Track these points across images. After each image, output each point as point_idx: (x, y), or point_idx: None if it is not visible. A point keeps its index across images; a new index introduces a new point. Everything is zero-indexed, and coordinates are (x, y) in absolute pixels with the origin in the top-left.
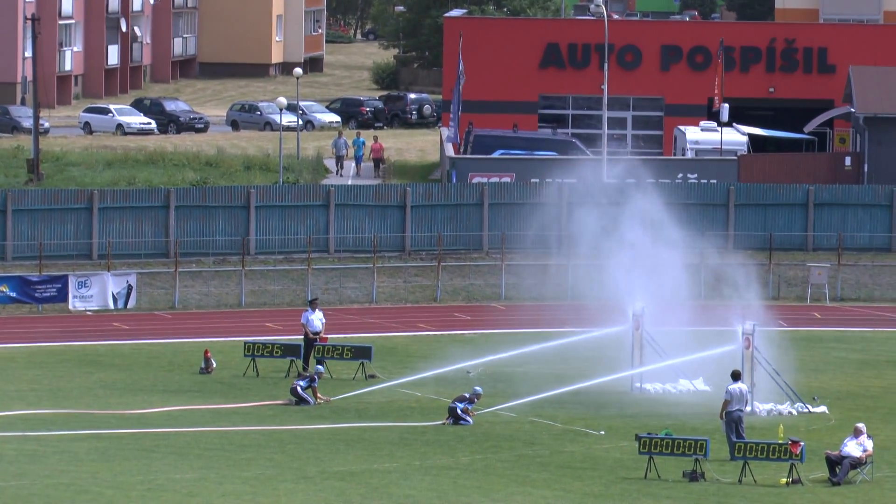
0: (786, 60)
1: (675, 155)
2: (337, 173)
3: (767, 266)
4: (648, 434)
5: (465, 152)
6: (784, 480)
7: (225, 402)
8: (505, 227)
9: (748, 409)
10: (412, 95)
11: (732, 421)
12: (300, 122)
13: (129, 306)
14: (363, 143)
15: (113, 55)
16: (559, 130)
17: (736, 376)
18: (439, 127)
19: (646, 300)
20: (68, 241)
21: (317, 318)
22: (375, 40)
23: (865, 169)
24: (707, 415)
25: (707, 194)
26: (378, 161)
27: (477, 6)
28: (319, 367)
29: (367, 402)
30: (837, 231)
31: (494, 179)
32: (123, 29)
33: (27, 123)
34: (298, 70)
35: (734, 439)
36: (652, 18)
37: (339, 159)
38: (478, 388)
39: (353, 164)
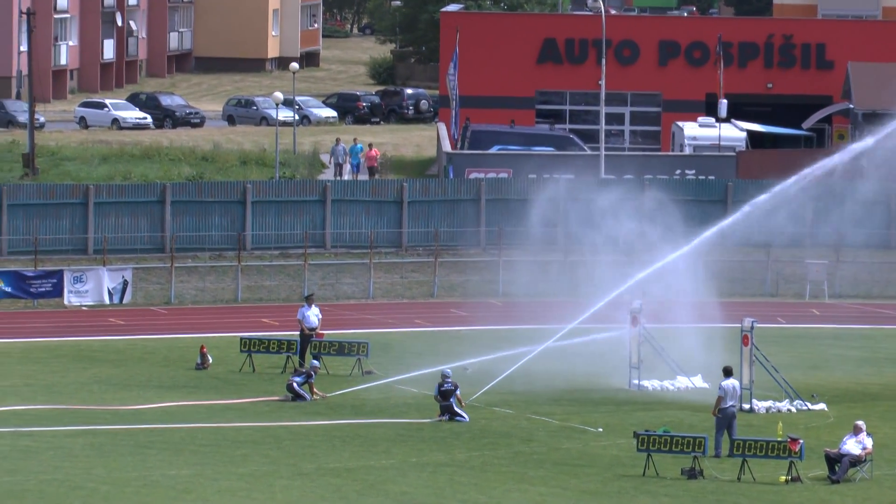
0: (784, 56)
1: (672, 151)
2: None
3: (766, 263)
4: (646, 431)
5: (461, 148)
6: (783, 478)
7: (220, 398)
8: (502, 222)
9: (746, 406)
10: (409, 90)
11: (727, 417)
12: (296, 116)
13: (124, 301)
14: (360, 150)
15: (108, 49)
16: (556, 126)
17: (728, 372)
18: (436, 122)
19: (644, 297)
20: (63, 235)
21: (313, 314)
22: (372, 35)
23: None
24: (705, 412)
25: (705, 191)
26: (372, 169)
27: (474, 1)
28: (316, 362)
29: (363, 398)
30: (836, 227)
31: (491, 175)
32: (119, 23)
33: (23, 118)
34: (295, 65)
35: (733, 437)
36: (650, 14)
37: (339, 167)
38: (445, 368)
39: (349, 171)
